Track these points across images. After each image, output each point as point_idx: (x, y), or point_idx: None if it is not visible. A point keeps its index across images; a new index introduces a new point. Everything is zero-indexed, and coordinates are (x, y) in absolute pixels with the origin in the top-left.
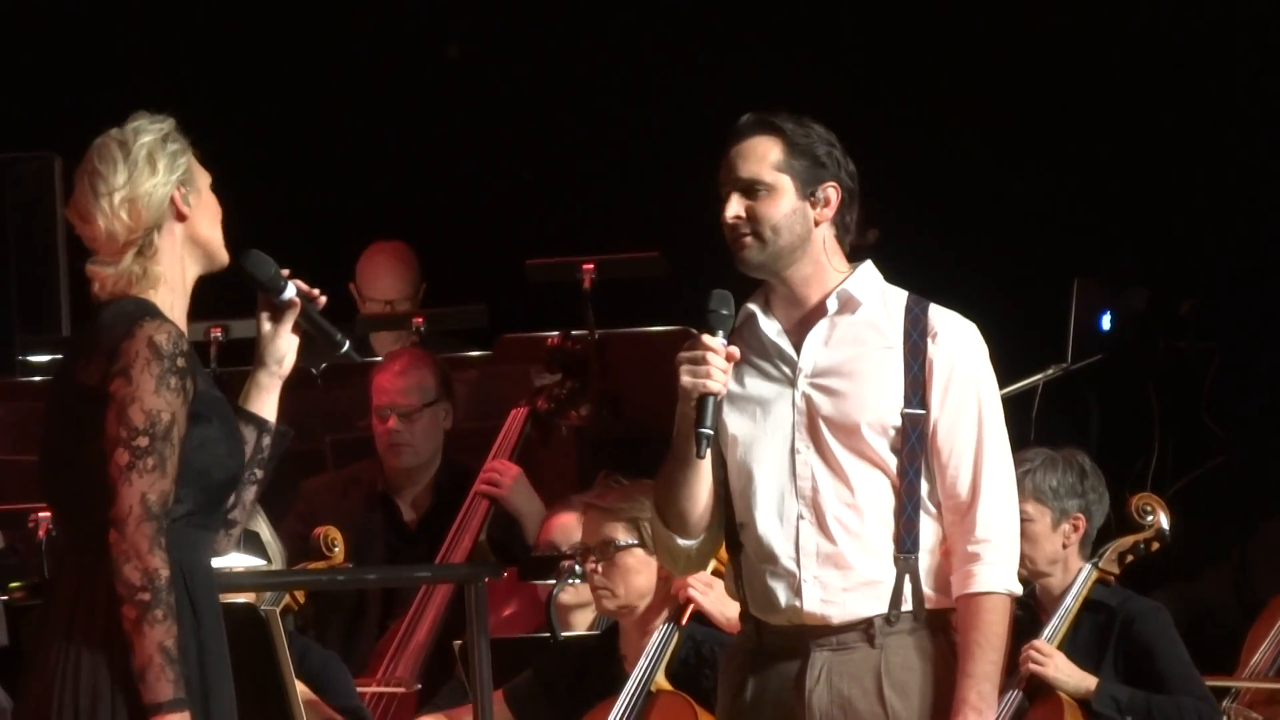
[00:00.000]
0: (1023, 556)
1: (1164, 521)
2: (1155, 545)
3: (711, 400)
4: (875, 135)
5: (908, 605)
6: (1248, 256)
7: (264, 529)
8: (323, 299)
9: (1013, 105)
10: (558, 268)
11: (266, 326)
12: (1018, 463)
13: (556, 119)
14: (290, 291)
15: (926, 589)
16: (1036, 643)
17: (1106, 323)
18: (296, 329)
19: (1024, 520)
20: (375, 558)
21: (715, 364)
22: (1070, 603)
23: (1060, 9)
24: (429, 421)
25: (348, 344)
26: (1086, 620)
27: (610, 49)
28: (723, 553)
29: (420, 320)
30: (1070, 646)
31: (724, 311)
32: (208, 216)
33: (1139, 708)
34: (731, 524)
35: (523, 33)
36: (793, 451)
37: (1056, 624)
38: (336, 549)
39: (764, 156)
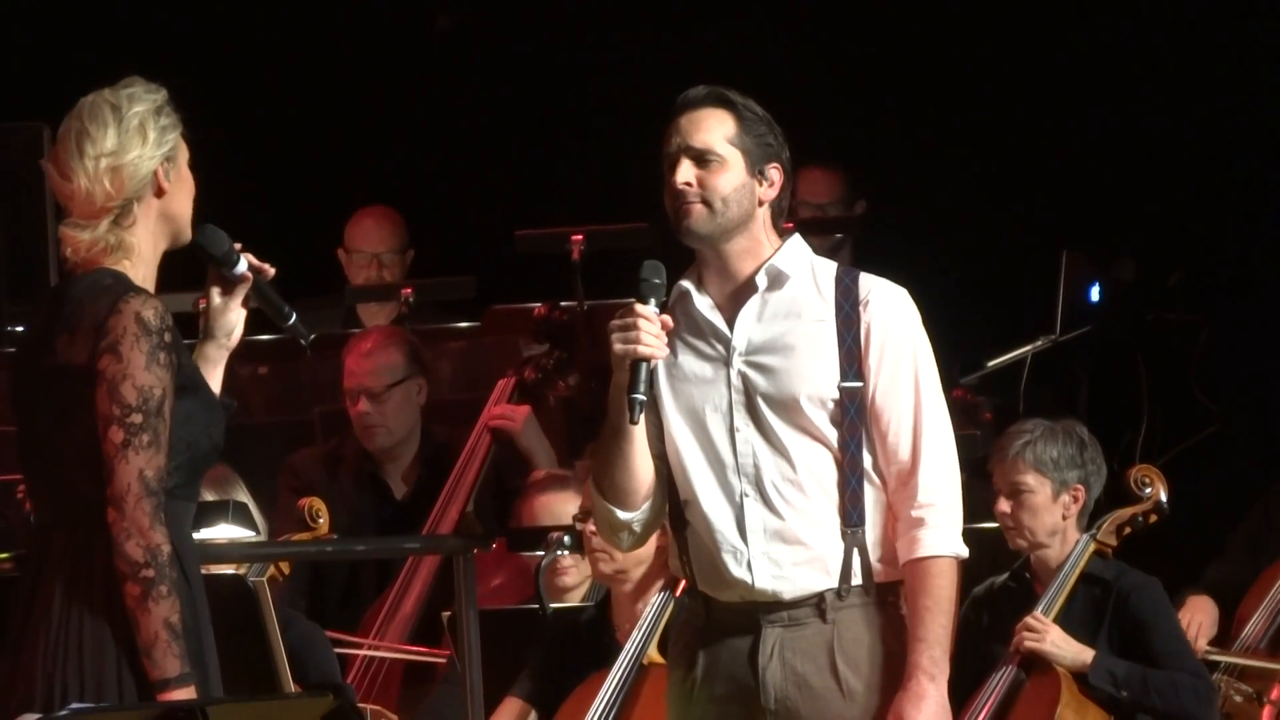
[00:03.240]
0: (1022, 527)
1: (1163, 494)
2: (1153, 518)
3: (645, 366)
4: (862, 109)
5: (857, 579)
6: (1235, 227)
7: (244, 499)
8: (272, 272)
9: (999, 77)
10: (547, 239)
11: (217, 300)
12: (1016, 434)
13: (546, 90)
14: (243, 266)
15: (875, 561)
16: (1031, 617)
17: (1095, 294)
18: (246, 302)
19: (1024, 491)
20: (370, 535)
21: (647, 329)
22: (1067, 573)
23: None
24: (400, 400)
25: (294, 317)
26: (1082, 593)
27: (601, 19)
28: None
29: (409, 291)
30: (1065, 619)
31: (656, 280)
32: (184, 194)
33: (1135, 682)
34: (675, 500)
35: (513, 3)
36: (732, 430)
37: (1053, 595)
38: (321, 520)
39: (717, 128)
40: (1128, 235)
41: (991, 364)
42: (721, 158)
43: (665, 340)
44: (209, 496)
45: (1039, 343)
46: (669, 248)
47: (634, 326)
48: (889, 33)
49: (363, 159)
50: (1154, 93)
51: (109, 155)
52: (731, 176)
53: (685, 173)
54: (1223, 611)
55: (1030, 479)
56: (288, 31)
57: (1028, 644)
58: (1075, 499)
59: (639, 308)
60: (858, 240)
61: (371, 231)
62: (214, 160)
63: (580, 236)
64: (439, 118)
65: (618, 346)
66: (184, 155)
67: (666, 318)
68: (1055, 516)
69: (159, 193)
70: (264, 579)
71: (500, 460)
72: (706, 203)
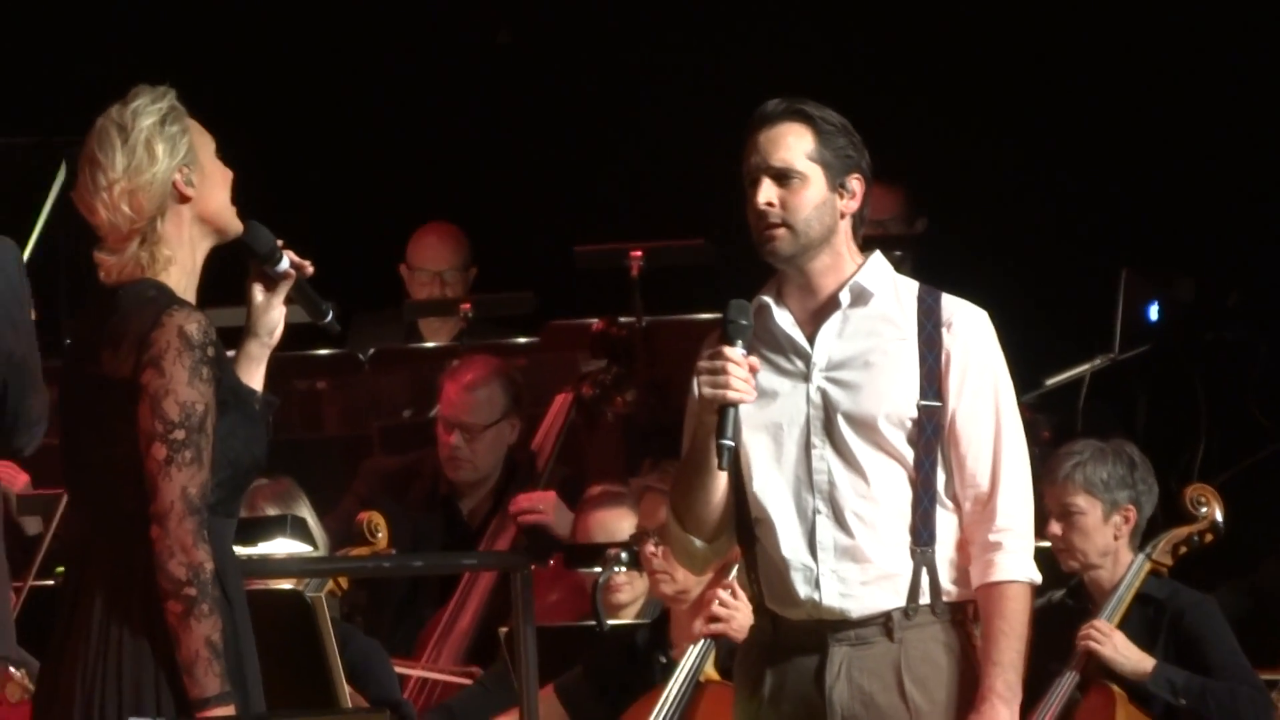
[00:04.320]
0: (1073, 549)
1: (1218, 513)
2: (1209, 537)
3: (732, 411)
4: (922, 125)
5: (925, 598)
6: None
7: (305, 514)
8: (311, 269)
9: (1059, 95)
10: (606, 255)
11: (259, 298)
12: (1066, 455)
13: (605, 105)
14: (285, 263)
15: (943, 581)
16: (1097, 621)
17: (1154, 313)
18: (287, 300)
19: (1074, 513)
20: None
21: (735, 373)
22: (1122, 593)
23: (1105, 2)
24: (492, 440)
25: (331, 315)
26: (1136, 613)
27: (662, 35)
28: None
29: (468, 306)
30: None
31: (743, 321)
32: (215, 188)
33: (1194, 690)
34: (744, 518)
35: (573, 18)
36: (808, 446)
37: (1108, 615)
38: (380, 535)
39: (796, 145)
40: (1187, 254)
41: (1050, 382)
42: (802, 175)
43: (753, 383)
44: (271, 510)
45: (1097, 361)
46: (728, 264)
47: (723, 370)
48: (949, 49)
49: (424, 175)
50: (1215, 113)
51: (121, 181)
52: (812, 194)
53: (767, 193)
54: (1261, 620)
55: (1081, 500)
56: (351, 49)
57: (1091, 645)
58: (1126, 519)
59: (727, 350)
60: (917, 257)
61: (434, 248)
62: (277, 175)
63: (639, 252)
64: (499, 133)
65: (706, 390)
66: (206, 149)
67: (754, 360)
68: (1107, 537)
69: (184, 199)
70: (321, 594)
71: (560, 478)
72: (789, 225)
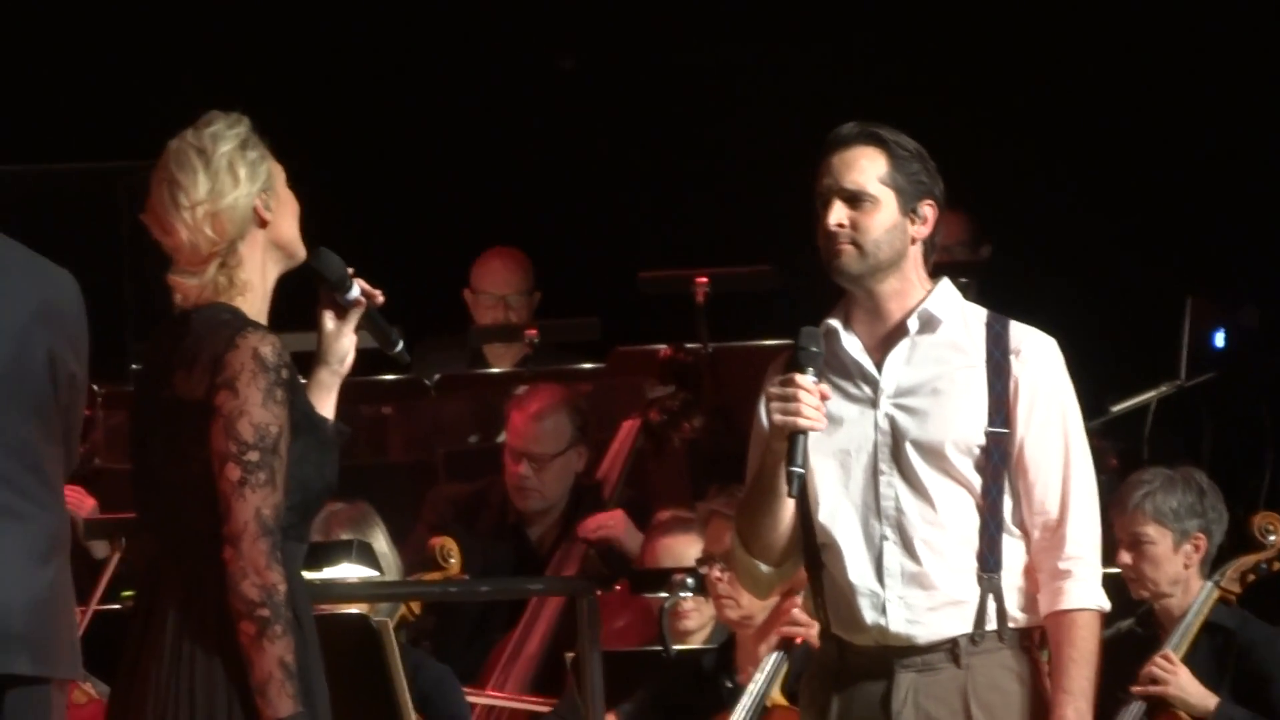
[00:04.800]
0: (1144, 578)
1: None
2: (1277, 565)
3: (802, 438)
4: (988, 152)
5: (992, 625)
6: None
7: (381, 540)
8: (382, 298)
9: (1126, 122)
10: (671, 280)
11: (330, 325)
12: (1135, 484)
13: (670, 131)
14: (355, 291)
15: (1010, 608)
16: (1161, 655)
17: (1219, 340)
18: (357, 328)
19: (1145, 542)
20: None
21: (807, 401)
22: (1190, 621)
23: (1172, 30)
24: (560, 469)
25: (401, 344)
26: (1205, 642)
27: (728, 60)
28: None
29: (534, 332)
30: (1188, 667)
31: (814, 349)
32: (287, 215)
33: None
34: (811, 543)
35: (637, 44)
36: (875, 472)
37: (1176, 643)
38: (452, 560)
39: (870, 168)
40: (1252, 282)
41: (1116, 409)
42: (874, 198)
43: (823, 411)
44: (346, 536)
45: (1163, 388)
46: (793, 290)
47: (794, 398)
48: (1016, 76)
49: (488, 200)
50: None
51: (204, 203)
52: (884, 217)
53: (838, 214)
54: None
55: (1151, 530)
56: (416, 75)
57: (1156, 674)
58: (1196, 548)
59: (799, 378)
60: (983, 284)
61: (499, 273)
62: (342, 200)
63: (704, 279)
64: (564, 159)
65: (777, 418)
66: (279, 177)
67: (825, 387)
68: (1177, 566)
69: (262, 224)
70: (388, 619)
71: (625, 501)
72: (857, 244)
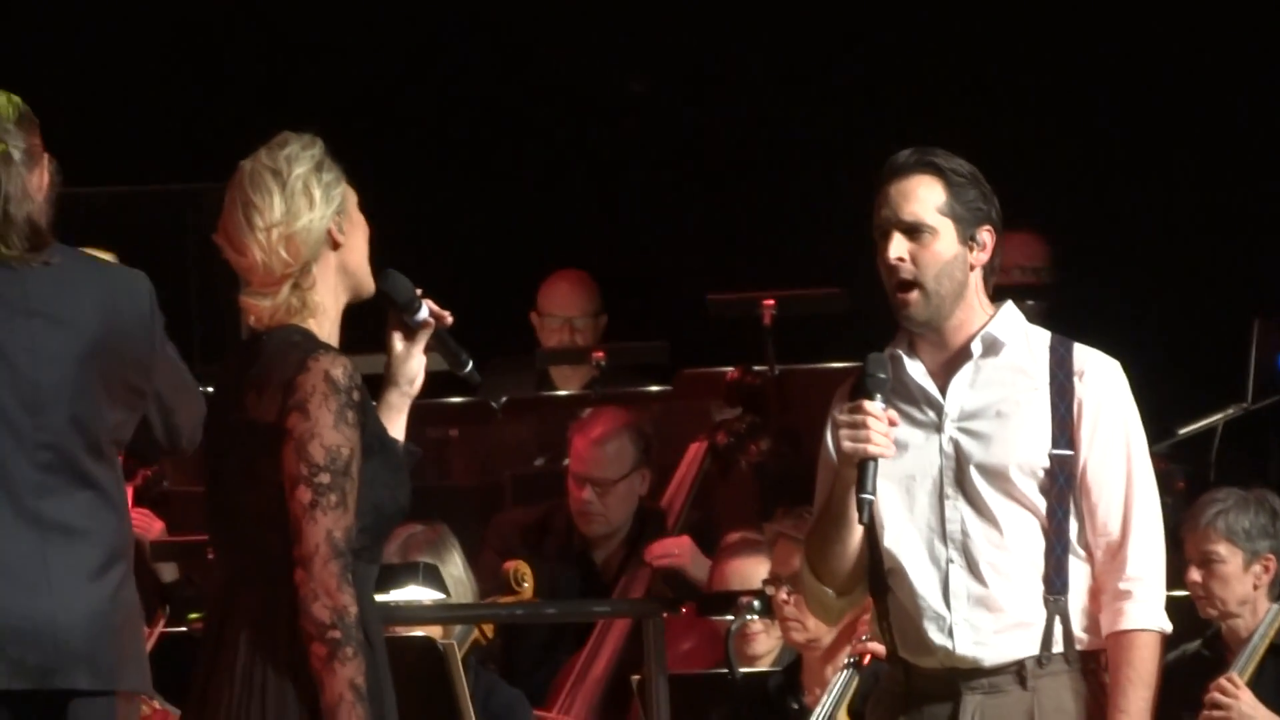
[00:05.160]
0: (1213, 597)
1: None
2: None
3: (872, 465)
4: (1053, 177)
5: (1058, 647)
6: None
7: (457, 563)
8: (451, 319)
9: (1193, 144)
10: (738, 303)
11: (399, 347)
12: (1208, 502)
13: (738, 154)
14: (424, 313)
15: (1076, 630)
16: (1225, 678)
17: None
18: (426, 349)
19: (1215, 561)
20: None
21: (876, 428)
22: (1256, 643)
23: (1236, 53)
24: (624, 492)
25: (471, 365)
26: (1271, 665)
27: (793, 86)
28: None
29: (601, 355)
30: (1254, 689)
31: (881, 375)
32: (359, 241)
33: None
34: (877, 568)
35: (706, 67)
36: (941, 496)
37: (1242, 665)
38: (526, 584)
39: (927, 198)
40: None
41: (1183, 432)
42: (933, 229)
43: (892, 438)
44: (423, 558)
45: (1230, 410)
46: (859, 313)
47: (863, 425)
48: (1083, 99)
49: (556, 222)
50: None
51: (279, 224)
52: (943, 248)
53: (898, 247)
54: None
55: (1221, 549)
56: (484, 97)
57: (1219, 701)
58: (1266, 569)
59: (867, 405)
60: (1049, 307)
61: (565, 295)
62: (410, 221)
63: (772, 301)
64: (632, 181)
65: (846, 445)
66: (352, 201)
67: (893, 414)
68: (1246, 586)
69: (335, 246)
70: (459, 642)
71: (691, 523)
72: (920, 284)
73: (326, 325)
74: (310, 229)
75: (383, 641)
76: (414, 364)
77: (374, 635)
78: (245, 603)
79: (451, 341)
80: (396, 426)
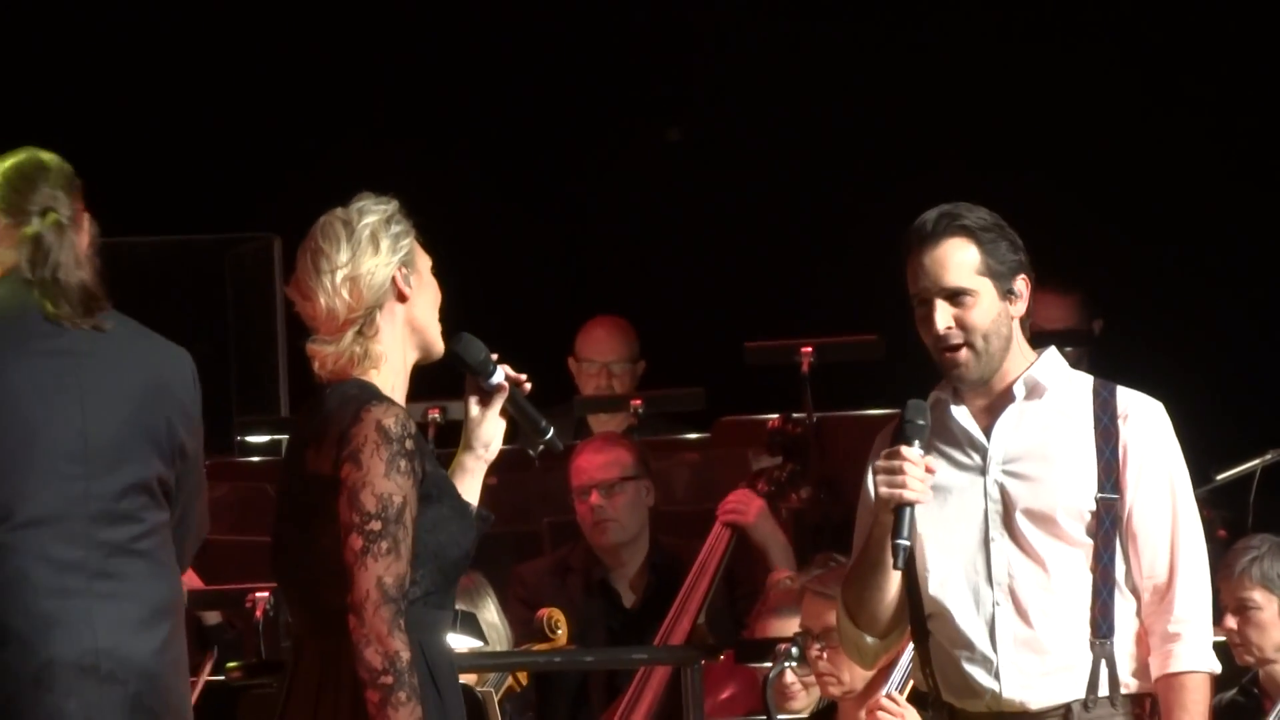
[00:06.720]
0: (1249, 644)
1: None
2: None
3: (909, 511)
4: (1095, 224)
5: (1104, 690)
6: None
7: (491, 610)
8: (528, 385)
9: (1228, 192)
10: (776, 350)
11: (474, 410)
12: (1242, 550)
13: (775, 201)
14: (499, 376)
15: (1122, 674)
16: None
17: None
18: (503, 413)
19: (1250, 608)
20: (599, 644)
21: (913, 474)
22: None
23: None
24: (632, 495)
25: (551, 431)
26: None
27: (830, 134)
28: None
29: (639, 402)
30: None
31: (920, 421)
32: (428, 299)
33: None
34: (918, 612)
35: (742, 116)
36: (986, 540)
37: (1278, 714)
38: (560, 631)
39: (964, 261)
40: None
41: (1220, 477)
42: (974, 291)
43: (929, 484)
44: (460, 606)
45: (1268, 455)
46: (899, 360)
47: (900, 471)
48: (1121, 152)
49: (594, 269)
50: None
51: (344, 267)
52: (986, 307)
53: (944, 317)
54: None
55: (1257, 595)
56: (519, 142)
57: None
58: None
59: (905, 451)
60: (1092, 357)
61: (603, 341)
62: (446, 270)
63: (809, 348)
64: (669, 228)
65: (883, 490)
66: (425, 261)
67: (931, 460)
68: None
69: (401, 298)
70: (490, 688)
71: (733, 567)
72: (970, 345)
73: (390, 378)
74: (374, 274)
75: (456, 688)
76: (489, 428)
77: (443, 681)
78: (311, 654)
79: (530, 408)
80: (470, 489)
